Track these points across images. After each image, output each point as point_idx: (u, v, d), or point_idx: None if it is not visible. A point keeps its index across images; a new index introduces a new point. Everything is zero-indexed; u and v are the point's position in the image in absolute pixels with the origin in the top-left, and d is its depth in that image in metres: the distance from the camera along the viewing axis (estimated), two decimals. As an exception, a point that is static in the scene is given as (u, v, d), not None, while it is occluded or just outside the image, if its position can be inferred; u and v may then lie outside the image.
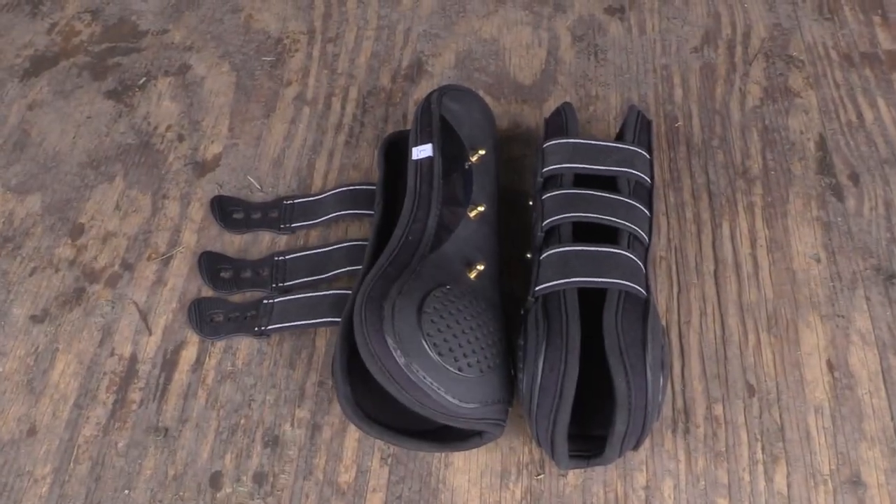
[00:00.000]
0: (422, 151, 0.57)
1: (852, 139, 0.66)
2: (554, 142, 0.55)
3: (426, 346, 0.45)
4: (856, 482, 0.49)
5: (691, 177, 0.63)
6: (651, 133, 0.57)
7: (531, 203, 0.56)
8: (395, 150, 0.63)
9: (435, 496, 0.49)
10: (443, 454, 0.50)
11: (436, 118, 0.58)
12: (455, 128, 0.58)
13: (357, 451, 0.51)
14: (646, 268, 0.49)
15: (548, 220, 0.51)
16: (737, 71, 0.71)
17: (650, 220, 0.52)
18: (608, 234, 0.50)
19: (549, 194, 0.52)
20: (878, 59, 0.72)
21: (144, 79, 0.73)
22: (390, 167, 0.62)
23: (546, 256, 0.49)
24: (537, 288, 0.48)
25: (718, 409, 0.52)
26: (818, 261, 0.58)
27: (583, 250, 0.48)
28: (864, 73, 0.71)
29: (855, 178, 0.63)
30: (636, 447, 0.45)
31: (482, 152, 0.57)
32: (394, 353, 0.44)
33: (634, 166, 0.53)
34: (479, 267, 0.51)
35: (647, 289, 0.48)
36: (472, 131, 0.59)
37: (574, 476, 0.49)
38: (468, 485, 0.49)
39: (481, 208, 0.54)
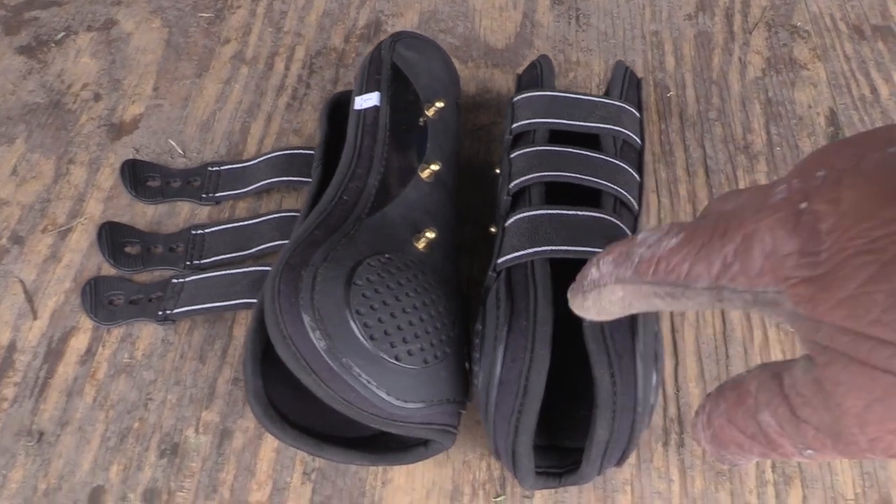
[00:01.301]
0: (366, 100, 0.47)
1: (867, 115, 0.57)
2: (526, 94, 0.46)
3: (354, 327, 0.35)
4: (886, 510, 0.40)
5: (685, 151, 0.55)
6: (641, 91, 0.49)
7: (498, 171, 0.47)
8: (342, 110, 0.54)
9: (368, 521, 0.39)
10: (379, 468, 0.41)
11: (386, 65, 0.49)
12: (409, 78, 0.49)
13: (274, 463, 0.41)
14: None
15: (516, 182, 0.42)
16: (736, 40, 0.63)
17: (640, 185, 0.43)
18: (590, 200, 0.41)
19: (518, 152, 0.43)
20: (891, 31, 0.64)
21: (63, 34, 0.64)
22: (335, 129, 0.52)
23: (512, 222, 0.40)
24: (500, 260, 0.39)
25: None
26: (833, 248, 0.50)
27: (558, 214, 0.39)
28: (877, 46, 0.63)
29: (872, 157, 0.55)
30: (620, 462, 0.36)
31: (440, 105, 0.48)
32: (311, 335, 0.34)
33: (622, 124, 0.44)
34: (428, 234, 0.41)
35: None
36: (430, 82, 0.50)
37: (542, 498, 0.40)
38: (410, 507, 0.40)
39: (435, 167, 0.45)
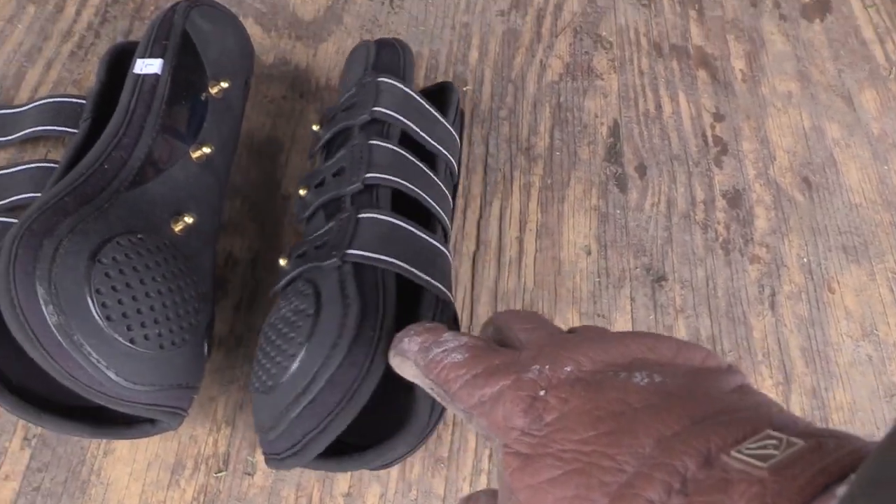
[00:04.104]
0: (148, 65, 0.46)
1: (646, 129, 0.61)
2: (392, 81, 0.46)
3: (91, 305, 0.34)
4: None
5: (469, 146, 0.56)
6: (463, 126, 0.51)
7: (315, 128, 0.48)
8: (127, 62, 0.52)
9: (83, 490, 0.39)
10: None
11: (176, 31, 0.47)
12: (199, 49, 0.48)
13: (-10, 428, 0.40)
14: None
15: (373, 175, 0.41)
16: (541, 42, 0.65)
17: (452, 213, 0.45)
18: (421, 219, 0.42)
19: (380, 143, 0.43)
20: (686, 52, 0.68)
21: None
22: (114, 81, 0.50)
23: (369, 218, 0.39)
24: (353, 251, 0.38)
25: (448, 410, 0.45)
26: (588, 253, 0.53)
27: (414, 233, 0.40)
28: (671, 64, 0.67)
29: (642, 170, 0.58)
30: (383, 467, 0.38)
31: (225, 85, 0.48)
32: (43, 308, 0.33)
33: (452, 152, 0.47)
34: (187, 219, 0.41)
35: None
36: (221, 59, 0.49)
37: (262, 476, 0.41)
38: (129, 479, 0.40)
39: (208, 150, 0.44)
